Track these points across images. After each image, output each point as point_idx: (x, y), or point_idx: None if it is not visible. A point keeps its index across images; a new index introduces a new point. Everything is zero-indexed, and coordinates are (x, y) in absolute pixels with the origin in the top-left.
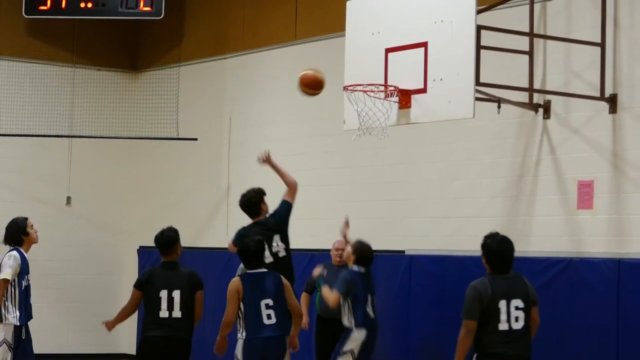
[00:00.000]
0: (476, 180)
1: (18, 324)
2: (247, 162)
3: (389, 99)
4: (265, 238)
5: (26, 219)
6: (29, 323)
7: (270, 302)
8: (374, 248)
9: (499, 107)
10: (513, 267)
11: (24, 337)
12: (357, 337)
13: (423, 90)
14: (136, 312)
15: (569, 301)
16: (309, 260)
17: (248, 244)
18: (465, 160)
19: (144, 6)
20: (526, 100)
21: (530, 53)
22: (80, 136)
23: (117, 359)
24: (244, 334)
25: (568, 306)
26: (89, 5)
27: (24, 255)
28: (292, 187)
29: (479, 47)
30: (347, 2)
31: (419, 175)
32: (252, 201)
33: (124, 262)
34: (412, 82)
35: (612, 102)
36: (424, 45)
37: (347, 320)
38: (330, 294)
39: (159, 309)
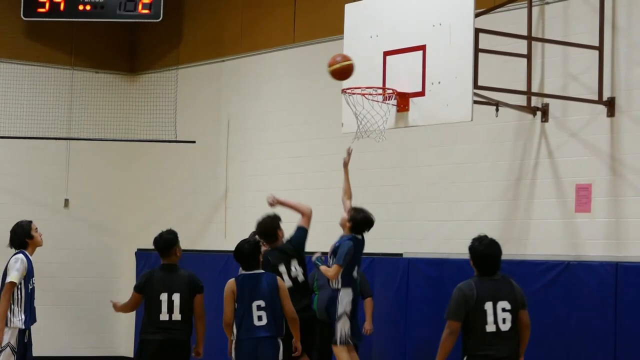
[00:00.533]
0: (474, 184)
1: (23, 327)
2: (245, 165)
3: (387, 102)
4: (284, 263)
5: (30, 222)
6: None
7: (262, 303)
8: (371, 251)
9: (497, 110)
10: (500, 269)
11: (25, 341)
12: (346, 298)
13: (421, 94)
14: (133, 315)
15: (567, 304)
16: (307, 262)
17: (243, 246)
18: (463, 163)
19: (142, 9)
20: (524, 103)
21: (529, 56)
22: (78, 139)
23: None
24: (236, 334)
25: (566, 309)
26: (88, 7)
27: (29, 258)
28: (306, 215)
29: (477, 50)
30: (346, 5)
31: (416, 178)
32: (269, 228)
33: (122, 264)
34: (410, 85)
35: (610, 105)
36: (422, 48)
37: (334, 282)
38: (328, 270)
39: (159, 312)
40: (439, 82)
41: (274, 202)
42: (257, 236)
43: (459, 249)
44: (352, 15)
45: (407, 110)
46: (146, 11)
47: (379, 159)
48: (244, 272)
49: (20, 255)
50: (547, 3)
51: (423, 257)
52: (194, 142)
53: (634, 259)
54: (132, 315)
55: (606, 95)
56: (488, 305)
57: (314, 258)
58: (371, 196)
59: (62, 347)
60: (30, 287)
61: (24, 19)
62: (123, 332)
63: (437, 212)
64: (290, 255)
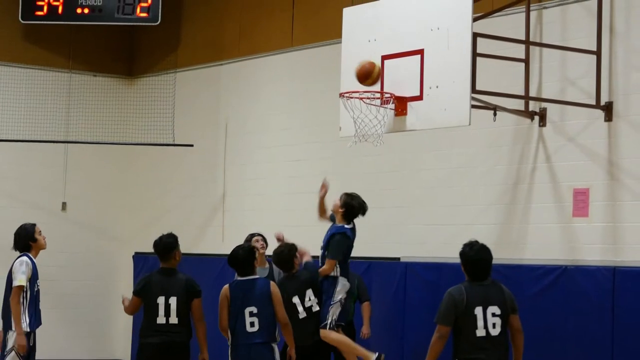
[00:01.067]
0: (472, 188)
1: (28, 330)
2: (243, 169)
3: (385, 106)
4: (298, 294)
5: (34, 225)
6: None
7: (254, 309)
8: (369, 255)
9: (494, 114)
10: (491, 274)
11: (31, 344)
12: (341, 286)
13: (419, 98)
14: (131, 318)
15: (564, 309)
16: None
17: (237, 253)
18: (460, 167)
19: (140, 12)
20: (522, 107)
21: (526, 61)
22: (76, 142)
23: None
24: (231, 339)
25: (563, 314)
26: (86, 11)
27: (34, 261)
28: None
29: (475, 54)
30: (344, 9)
31: (414, 182)
32: (285, 257)
33: (120, 268)
34: (408, 89)
35: (608, 110)
36: (420, 52)
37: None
38: (324, 269)
39: (156, 315)
40: (437, 86)
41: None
42: (255, 238)
43: (457, 253)
44: (350, 19)
45: (405, 114)
46: (144, 14)
47: (377, 163)
48: (238, 277)
49: (25, 258)
50: (545, 7)
51: (421, 261)
52: (191, 145)
53: (632, 263)
54: (129, 318)
55: (604, 99)
56: (478, 310)
57: (304, 260)
58: (369, 200)
59: (60, 350)
60: (35, 289)
61: (22, 22)
62: (121, 336)
63: (435, 216)
64: (306, 284)
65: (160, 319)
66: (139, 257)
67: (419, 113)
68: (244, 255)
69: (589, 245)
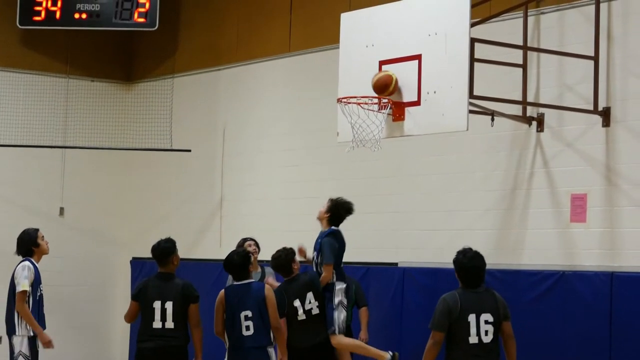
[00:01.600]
0: (469, 193)
1: (32, 334)
2: (241, 174)
3: (383, 111)
4: (299, 297)
5: (37, 230)
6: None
7: (249, 313)
8: (367, 260)
9: (492, 119)
10: (484, 281)
11: (37, 348)
12: (339, 289)
13: (417, 103)
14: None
15: (562, 314)
16: (302, 271)
17: (232, 258)
18: (458, 172)
19: (138, 17)
20: (520, 113)
21: (524, 66)
22: (73, 147)
23: None
24: (227, 344)
25: (561, 319)
26: (83, 16)
27: (36, 266)
28: None
29: (472, 60)
30: (342, 15)
31: (412, 187)
32: (283, 262)
33: (117, 273)
34: (405, 94)
35: (606, 115)
36: (418, 57)
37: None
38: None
39: (152, 319)
40: (435, 92)
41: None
42: (247, 242)
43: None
44: (348, 25)
45: (403, 119)
46: (142, 20)
47: (374, 169)
48: (234, 282)
49: (27, 263)
50: (543, 13)
51: (418, 266)
52: (189, 150)
53: (629, 268)
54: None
55: (601, 105)
56: (471, 317)
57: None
58: (366, 205)
59: (57, 355)
60: (38, 294)
61: (20, 27)
62: (118, 341)
63: (433, 222)
64: (307, 287)
65: (157, 324)
66: (136, 262)
67: (416, 118)
68: (239, 260)
69: (587, 250)
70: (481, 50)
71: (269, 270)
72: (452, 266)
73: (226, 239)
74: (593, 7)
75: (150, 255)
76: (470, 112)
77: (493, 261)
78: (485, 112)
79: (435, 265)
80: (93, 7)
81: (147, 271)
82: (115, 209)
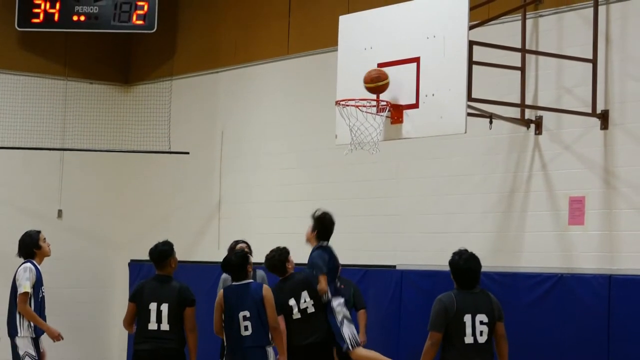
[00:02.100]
0: (467, 196)
1: (34, 335)
2: (239, 176)
3: (381, 114)
4: (294, 296)
5: (39, 232)
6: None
7: (247, 313)
8: (365, 263)
9: (490, 122)
10: (479, 283)
11: (41, 350)
12: (338, 304)
13: (415, 106)
14: None
15: (560, 317)
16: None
17: (230, 259)
18: (456, 175)
19: (136, 20)
20: (518, 115)
21: (522, 69)
22: (72, 149)
23: None
24: (226, 344)
25: (559, 322)
26: (82, 18)
27: (38, 268)
28: None
29: (471, 62)
30: (340, 17)
31: (410, 190)
32: (276, 262)
33: (115, 275)
34: (404, 97)
35: (604, 118)
36: (416, 60)
37: (325, 296)
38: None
39: (148, 321)
40: (433, 94)
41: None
42: (240, 245)
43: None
44: (347, 27)
45: (401, 122)
46: (140, 22)
47: (373, 171)
48: (232, 283)
49: (29, 265)
50: (541, 16)
51: (416, 269)
52: (187, 153)
53: (627, 271)
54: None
55: (600, 108)
56: (467, 318)
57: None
58: (364, 208)
59: (55, 357)
60: (40, 296)
61: (18, 29)
62: (115, 343)
63: (431, 224)
64: (301, 285)
65: (152, 325)
66: (134, 265)
67: (414, 121)
68: (237, 261)
69: (585, 253)
70: (479, 53)
71: (260, 273)
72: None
73: (224, 242)
74: (591, 9)
75: (148, 258)
76: (469, 114)
77: (491, 264)
78: (483, 114)
79: (434, 267)
80: (91, 9)
81: (146, 273)
82: (113, 211)
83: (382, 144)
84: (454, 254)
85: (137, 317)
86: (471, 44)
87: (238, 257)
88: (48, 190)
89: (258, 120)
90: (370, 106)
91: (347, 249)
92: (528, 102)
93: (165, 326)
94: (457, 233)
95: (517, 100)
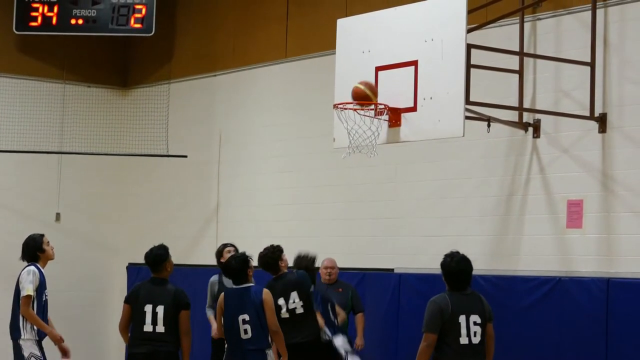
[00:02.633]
0: (465, 199)
1: (37, 338)
2: (237, 180)
3: (379, 117)
4: (283, 296)
5: (42, 235)
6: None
7: (246, 317)
8: (363, 266)
9: (488, 125)
10: (471, 284)
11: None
12: (339, 341)
13: (413, 109)
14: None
15: (558, 320)
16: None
17: (230, 262)
18: (454, 178)
19: (134, 23)
20: (516, 119)
21: (520, 72)
22: (70, 153)
23: None
24: (226, 346)
25: (557, 325)
26: (80, 22)
27: (41, 271)
28: None
29: (469, 65)
30: (338, 20)
31: (408, 193)
32: (269, 260)
33: (113, 278)
34: (402, 100)
35: (602, 121)
36: (414, 63)
37: (323, 333)
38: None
39: (144, 323)
40: (431, 98)
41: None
42: (227, 248)
43: None
44: (344, 31)
45: (399, 125)
46: (138, 25)
47: (371, 174)
48: (233, 286)
49: (32, 268)
50: (539, 19)
51: (414, 272)
52: (185, 156)
53: (625, 274)
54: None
55: (598, 111)
56: (462, 319)
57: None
58: (362, 211)
59: None
60: (43, 299)
61: (16, 32)
62: (113, 346)
63: (429, 228)
64: (292, 286)
65: (147, 327)
66: (132, 268)
67: (412, 124)
68: (237, 265)
69: (583, 256)
70: (477, 56)
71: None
72: None
73: None
74: (589, 13)
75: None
76: (467, 118)
77: (489, 267)
78: (481, 118)
79: (432, 271)
80: (89, 13)
81: (143, 277)
82: (111, 214)
83: (380, 147)
84: (446, 256)
85: (132, 319)
86: (469, 47)
87: (238, 261)
88: (46, 193)
89: (256, 124)
90: (368, 109)
91: (345, 252)
92: (526, 105)
93: (160, 328)
94: (455, 236)
95: (515, 104)
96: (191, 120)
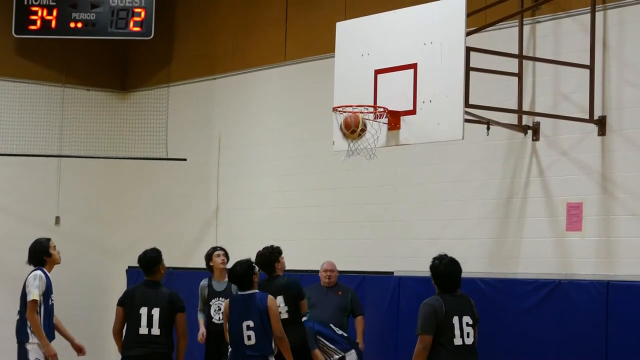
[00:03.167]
0: (465, 202)
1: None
2: (236, 183)
3: (378, 120)
4: None
5: (49, 239)
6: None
7: (251, 323)
8: (362, 269)
9: (488, 128)
10: (460, 287)
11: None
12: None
13: (412, 112)
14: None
15: (558, 323)
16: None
17: (236, 268)
18: (454, 181)
19: (133, 27)
20: (515, 122)
21: (520, 75)
22: (69, 156)
23: None
24: (230, 351)
25: (557, 327)
26: (79, 25)
27: (48, 275)
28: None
29: (468, 68)
30: (337, 23)
31: (407, 196)
32: (266, 260)
33: (113, 282)
34: (401, 103)
35: (601, 124)
36: (414, 66)
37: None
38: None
39: (139, 325)
40: (430, 101)
41: None
42: (216, 252)
43: None
44: (344, 34)
45: (398, 128)
46: (137, 29)
47: (370, 177)
48: (238, 292)
49: (39, 272)
50: (538, 22)
51: (414, 275)
52: (185, 159)
53: (625, 277)
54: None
55: (597, 114)
56: (455, 319)
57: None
58: (362, 214)
59: None
60: (49, 303)
61: (16, 36)
62: (113, 349)
63: (428, 231)
64: (279, 290)
65: (143, 330)
66: (132, 271)
67: (412, 127)
68: (242, 271)
69: (583, 259)
70: (477, 59)
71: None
72: None
73: None
74: (589, 16)
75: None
76: (466, 121)
77: (489, 270)
78: (480, 121)
79: None
80: (89, 16)
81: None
82: (111, 217)
83: (379, 150)
84: (434, 259)
85: (126, 322)
86: (468, 50)
87: (243, 267)
88: (45, 197)
89: (255, 127)
90: (367, 112)
91: (345, 255)
92: (525, 108)
93: (156, 331)
94: (455, 239)
95: (515, 107)
96: (190, 123)
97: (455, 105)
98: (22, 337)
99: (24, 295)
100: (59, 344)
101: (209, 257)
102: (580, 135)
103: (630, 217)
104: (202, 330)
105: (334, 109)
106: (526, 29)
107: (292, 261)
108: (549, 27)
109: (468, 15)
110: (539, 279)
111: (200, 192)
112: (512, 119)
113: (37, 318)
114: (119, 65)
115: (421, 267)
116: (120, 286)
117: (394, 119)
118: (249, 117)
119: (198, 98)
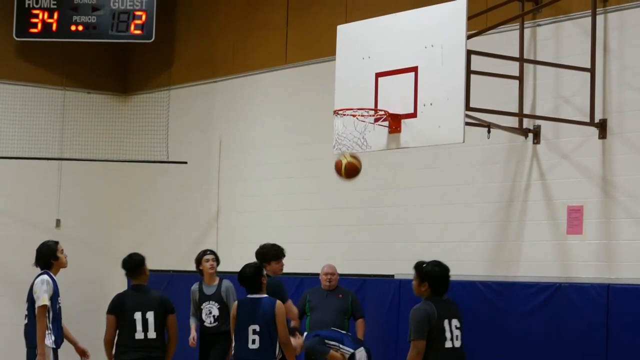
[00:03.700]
0: (466, 205)
1: (54, 346)
2: (237, 186)
3: (379, 123)
4: None
5: (57, 242)
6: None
7: (257, 327)
8: (363, 272)
9: (488, 132)
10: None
11: None
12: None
13: (413, 115)
14: None
15: (558, 326)
16: (298, 283)
17: (244, 271)
18: (454, 185)
19: (134, 30)
20: (516, 125)
21: (520, 78)
22: (70, 159)
23: None
24: (233, 354)
25: (557, 331)
26: (80, 28)
27: (54, 279)
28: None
29: (469, 71)
30: (338, 27)
31: (408, 199)
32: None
33: (113, 285)
34: (402, 106)
35: (602, 127)
36: (414, 69)
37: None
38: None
39: (135, 330)
40: (431, 104)
41: None
42: (205, 257)
43: (451, 271)
44: (344, 37)
45: (399, 131)
46: (138, 32)
47: (371, 181)
48: (247, 295)
49: (45, 277)
50: (539, 25)
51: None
52: (185, 162)
53: (626, 280)
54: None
55: (598, 117)
56: (446, 323)
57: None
58: (363, 217)
59: None
60: (57, 307)
61: (16, 39)
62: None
63: (429, 234)
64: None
65: (139, 334)
66: None
67: (413, 130)
68: (250, 274)
69: (583, 262)
70: (477, 62)
71: (227, 283)
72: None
73: (223, 251)
74: (589, 19)
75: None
76: (467, 124)
77: (489, 273)
78: (481, 124)
79: None
80: (89, 19)
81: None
82: (111, 220)
83: (380, 153)
84: (427, 264)
85: (120, 328)
86: (469, 53)
87: (252, 269)
88: (46, 200)
89: (256, 130)
90: (368, 116)
91: (345, 258)
92: (526, 111)
93: (152, 334)
94: (455, 242)
95: (515, 110)
96: (191, 126)
97: (456, 108)
98: (32, 341)
99: (31, 299)
100: (62, 347)
101: (198, 260)
102: (581, 139)
103: (631, 220)
104: (193, 334)
105: (335, 112)
106: (527, 32)
107: (292, 264)
108: (549, 30)
109: (469, 18)
110: (539, 282)
111: (201, 195)
112: (513, 122)
113: (44, 325)
114: (119, 68)
115: None
116: (120, 289)
117: (394, 122)
118: (249, 119)
119: (199, 101)
